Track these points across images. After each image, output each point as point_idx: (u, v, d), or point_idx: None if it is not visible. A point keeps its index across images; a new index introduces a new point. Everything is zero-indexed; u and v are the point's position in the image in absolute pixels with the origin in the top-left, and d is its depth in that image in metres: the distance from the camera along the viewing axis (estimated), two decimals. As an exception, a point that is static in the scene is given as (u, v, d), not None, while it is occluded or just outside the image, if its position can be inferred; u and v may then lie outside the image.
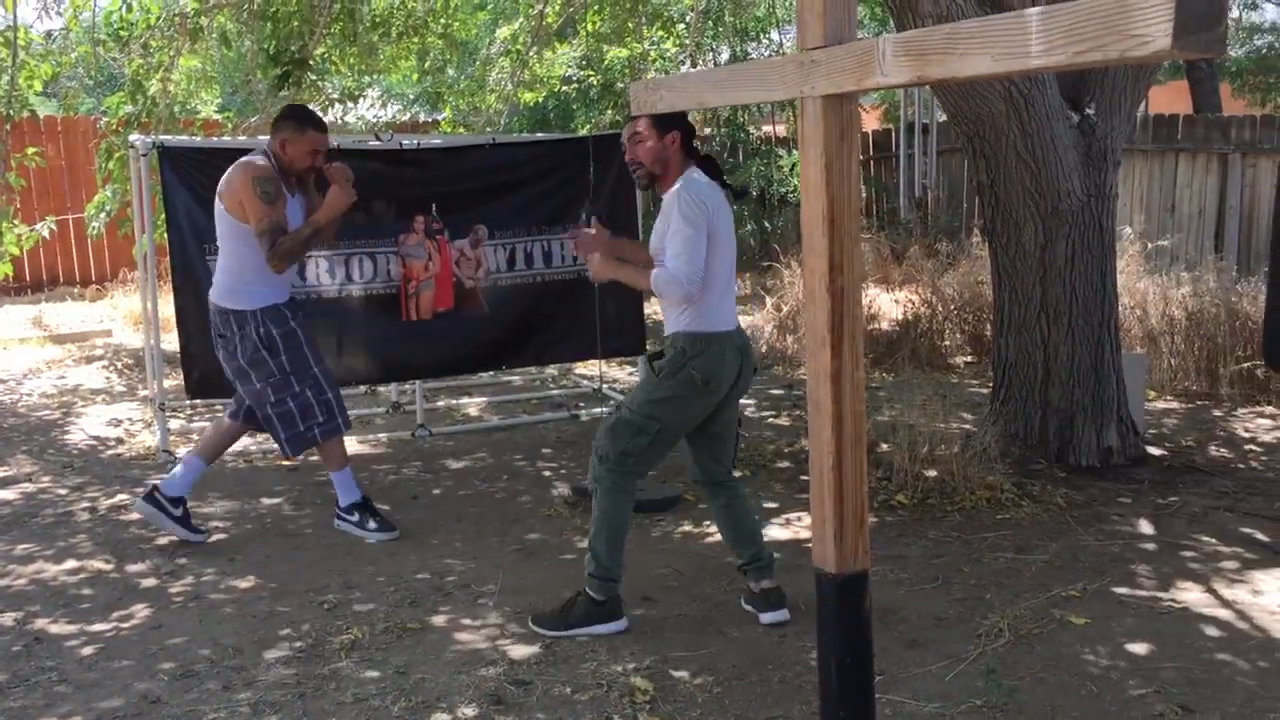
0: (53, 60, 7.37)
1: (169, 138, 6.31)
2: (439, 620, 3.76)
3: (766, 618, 3.71)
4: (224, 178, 4.42)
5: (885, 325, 8.56)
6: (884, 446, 5.13)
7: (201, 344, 5.73)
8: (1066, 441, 5.28)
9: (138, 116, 7.63)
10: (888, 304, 9.19)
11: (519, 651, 3.50)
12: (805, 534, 4.55)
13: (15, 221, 7.91)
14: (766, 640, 3.56)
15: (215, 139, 7.65)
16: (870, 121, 14.88)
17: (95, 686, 3.29)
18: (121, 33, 7.39)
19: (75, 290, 12.35)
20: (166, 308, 6.45)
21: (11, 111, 7.05)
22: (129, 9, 7.44)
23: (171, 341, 6.38)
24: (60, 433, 6.55)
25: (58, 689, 3.28)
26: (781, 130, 14.27)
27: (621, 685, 3.25)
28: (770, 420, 6.57)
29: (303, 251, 4.59)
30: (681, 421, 3.71)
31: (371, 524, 4.62)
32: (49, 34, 7.53)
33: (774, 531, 4.63)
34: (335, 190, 4.51)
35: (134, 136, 6.30)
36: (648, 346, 3.86)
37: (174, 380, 6.26)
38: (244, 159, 4.47)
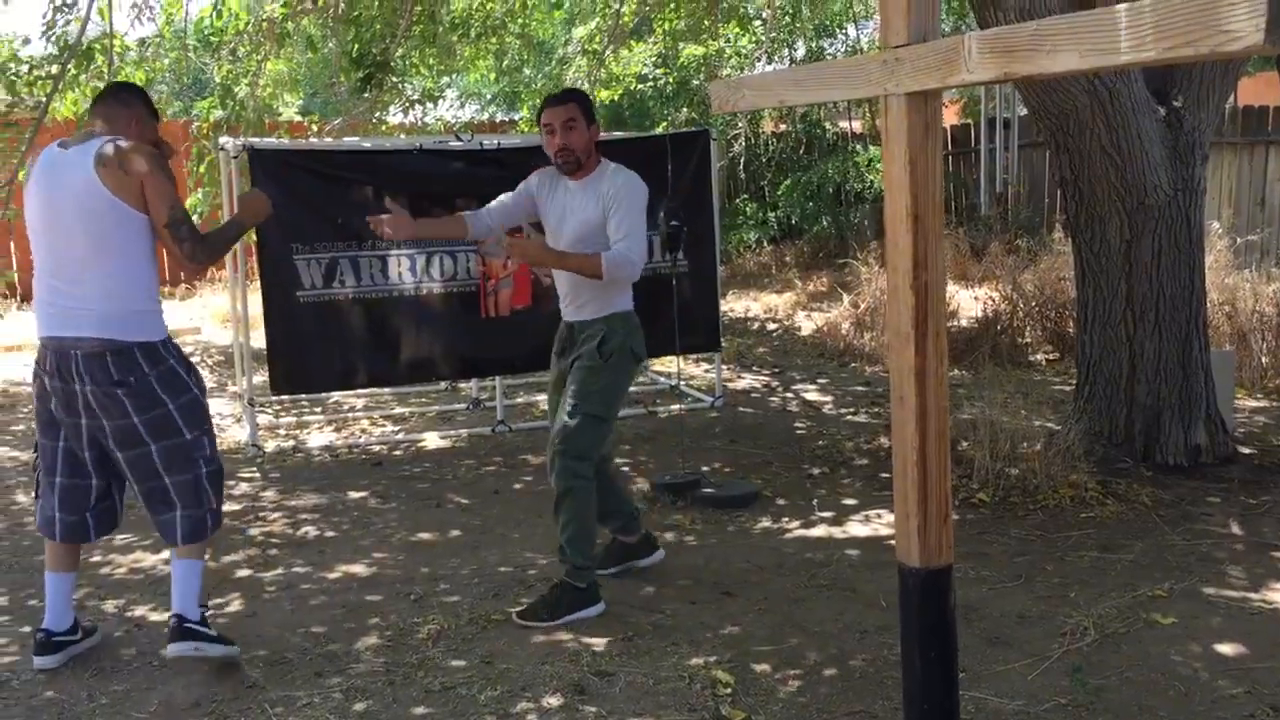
0: (146, 67, 7.60)
1: (258, 140, 6.48)
2: (522, 624, 3.82)
3: (648, 561, 4.17)
4: (99, 153, 3.17)
5: (964, 322, 8.48)
6: (964, 444, 5.10)
7: (288, 341, 5.89)
8: (1153, 439, 5.19)
9: (227, 120, 7.84)
10: (967, 301, 9.10)
11: (601, 643, 3.55)
12: (885, 531, 4.55)
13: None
14: (847, 636, 3.57)
15: (302, 141, 7.83)
16: (949, 116, 14.71)
17: (194, 671, 3.40)
18: (212, 39, 7.60)
19: (165, 289, 12.70)
20: (254, 305, 6.62)
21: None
22: (219, 15, 7.65)
23: (259, 338, 6.54)
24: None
25: (158, 673, 3.41)
26: (858, 126, 14.18)
27: (703, 678, 3.29)
28: (848, 417, 6.56)
29: (225, 252, 3.58)
30: (623, 400, 4.04)
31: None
32: (142, 41, 7.76)
33: (853, 528, 4.63)
34: (257, 192, 3.75)
35: (224, 139, 6.49)
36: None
37: (262, 376, 6.42)
38: (109, 138, 3.24)
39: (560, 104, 3.82)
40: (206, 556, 3.58)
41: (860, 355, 8.24)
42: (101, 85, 7.13)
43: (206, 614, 3.47)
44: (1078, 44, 1.81)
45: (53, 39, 6.92)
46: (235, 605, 3.95)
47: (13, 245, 11.43)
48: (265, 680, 3.33)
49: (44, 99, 6.88)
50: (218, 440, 3.56)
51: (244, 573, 4.27)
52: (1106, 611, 3.66)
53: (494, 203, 4.11)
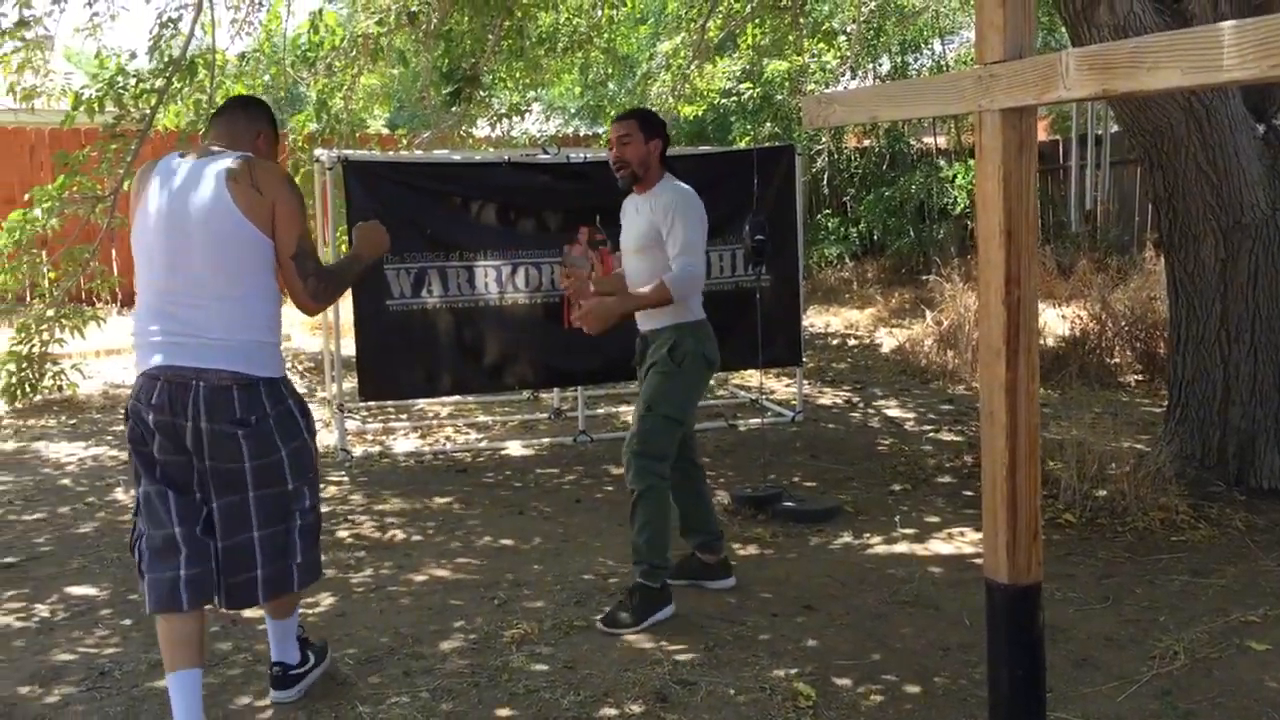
0: (245, 80, 7.83)
1: (351, 152, 6.64)
2: (609, 632, 3.86)
3: (716, 585, 4.13)
4: (231, 168, 2.88)
5: (1051, 341, 8.37)
6: (1051, 464, 5.03)
7: (377, 348, 6.02)
8: (1247, 463, 5.08)
9: (321, 133, 8.05)
10: (1054, 319, 8.97)
11: (683, 653, 3.58)
12: (968, 549, 4.51)
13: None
14: (930, 652, 3.56)
15: (393, 153, 8.00)
16: (1038, 132, 14.51)
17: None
18: (308, 54, 7.81)
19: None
20: (345, 314, 6.77)
21: (207, 129, 7.52)
22: (315, 31, 7.86)
23: (349, 346, 6.70)
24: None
25: (256, 669, 3.51)
26: (943, 142, 14.07)
27: (784, 690, 3.29)
28: (931, 435, 6.51)
29: (344, 292, 3.29)
30: (697, 404, 4.08)
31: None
32: (242, 55, 8.00)
33: (936, 546, 4.60)
34: (375, 224, 3.33)
35: (319, 151, 6.66)
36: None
37: (351, 383, 6.58)
38: (238, 153, 2.96)
39: (620, 120, 4.03)
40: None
41: (943, 373, 8.17)
42: (204, 99, 7.41)
43: (303, 641, 3.33)
44: (1179, 61, 1.81)
45: (158, 54, 7.18)
46: (326, 604, 4.05)
47: (114, 252, 11.80)
48: (356, 678, 3.41)
49: (149, 111, 7.13)
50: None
51: (333, 573, 4.38)
52: (1197, 636, 3.59)
53: None
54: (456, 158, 6.92)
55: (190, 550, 2.86)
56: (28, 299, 7.91)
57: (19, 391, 7.51)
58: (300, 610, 3.82)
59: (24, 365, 7.52)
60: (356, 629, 3.81)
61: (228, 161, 2.90)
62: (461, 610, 3.98)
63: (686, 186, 3.99)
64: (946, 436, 6.44)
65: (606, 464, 6.00)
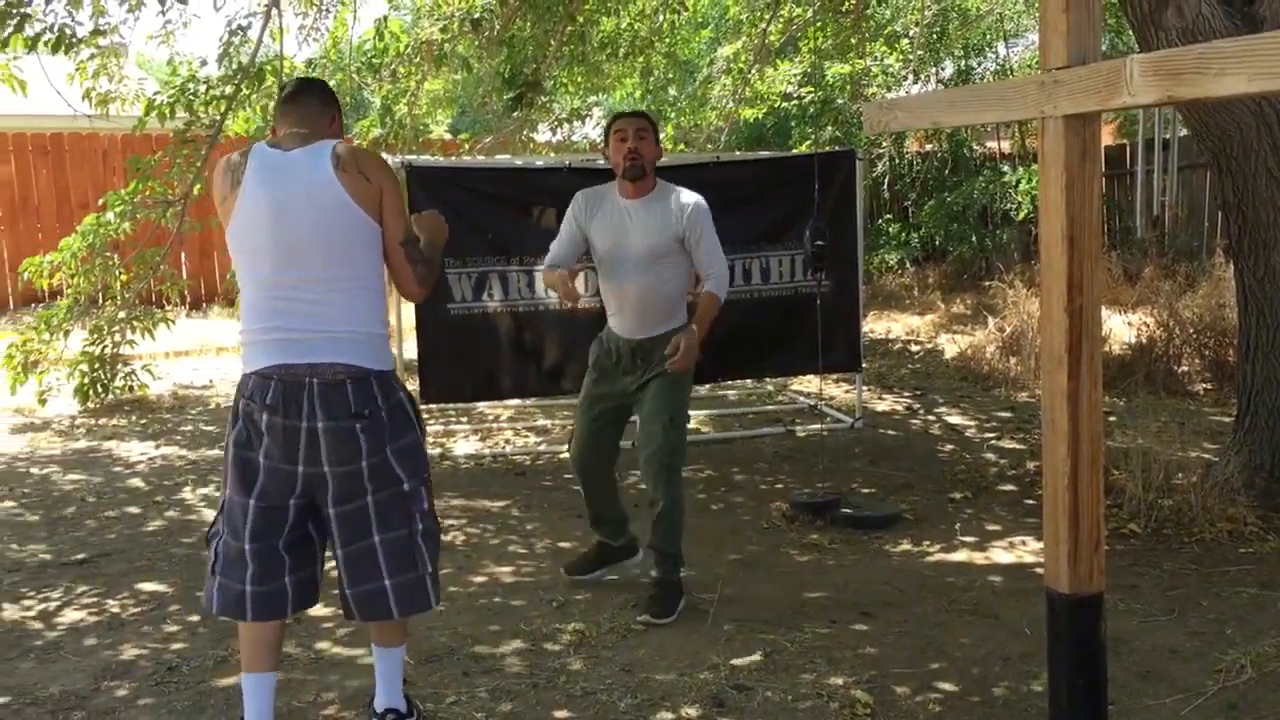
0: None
1: (415, 158, 6.73)
2: (661, 624, 3.88)
3: (634, 562, 4.30)
4: (337, 155, 2.77)
5: (1116, 348, 8.24)
6: (1116, 473, 4.96)
7: (438, 351, 6.09)
8: (1318, 474, 4.96)
9: (385, 138, 8.16)
10: (1120, 326, 8.83)
11: (740, 658, 3.58)
12: (1030, 558, 4.47)
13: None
14: (990, 662, 3.52)
15: (456, 159, 8.09)
16: (1104, 137, 14.30)
17: (347, 665, 3.56)
18: (374, 60, 7.93)
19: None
20: (406, 317, 6.85)
21: (275, 135, 7.66)
22: (380, 37, 7.97)
23: (410, 349, 6.78)
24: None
25: (316, 665, 3.57)
26: (1006, 146, 13.91)
27: (841, 697, 3.29)
28: (992, 442, 6.44)
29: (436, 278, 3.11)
30: None
31: None
32: (309, 61, 8.14)
33: (997, 555, 4.55)
34: (434, 213, 3.18)
35: (384, 157, 6.75)
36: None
37: (412, 385, 6.65)
38: (336, 140, 2.88)
39: (636, 116, 4.08)
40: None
41: (1005, 380, 8.08)
42: (271, 104, 7.53)
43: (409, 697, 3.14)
44: (1247, 67, 1.79)
45: (227, 61, 7.33)
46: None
47: (183, 256, 12.06)
48: (415, 677, 3.45)
49: (218, 117, 7.28)
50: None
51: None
52: (1266, 650, 3.52)
53: (559, 247, 4.12)
54: (518, 163, 6.98)
55: (259, 567, 2.78)
56: (100, 301, 8.09)
57: (92, 391, 7.69)
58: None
59: (96, 366, 7.71)
60: (416, 628, 3.84)
61: (329, 149, 2.78)
62: (520, 611, 4.01)
63: (692, 191, 4.08)
64: (1008, 444, 6.37)
65: (664, 468, 6.01)
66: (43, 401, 7.50)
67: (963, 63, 13.57)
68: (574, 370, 6.38)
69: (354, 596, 2.84)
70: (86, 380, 7.67)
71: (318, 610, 3.93)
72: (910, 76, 12.77)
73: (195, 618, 3.98)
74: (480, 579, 4.37)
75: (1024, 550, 4.58)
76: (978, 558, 4.54)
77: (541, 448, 6.59)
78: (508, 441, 6.80)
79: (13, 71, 6.73)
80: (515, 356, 6.28)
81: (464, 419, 7.40)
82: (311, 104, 2.93)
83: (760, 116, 12.74)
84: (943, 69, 13.74)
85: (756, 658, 3.58)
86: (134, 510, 5.37)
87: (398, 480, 2.81)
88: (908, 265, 13.23)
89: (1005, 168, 12.84)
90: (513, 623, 3.90)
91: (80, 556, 4.69)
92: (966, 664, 3.52)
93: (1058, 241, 2.27)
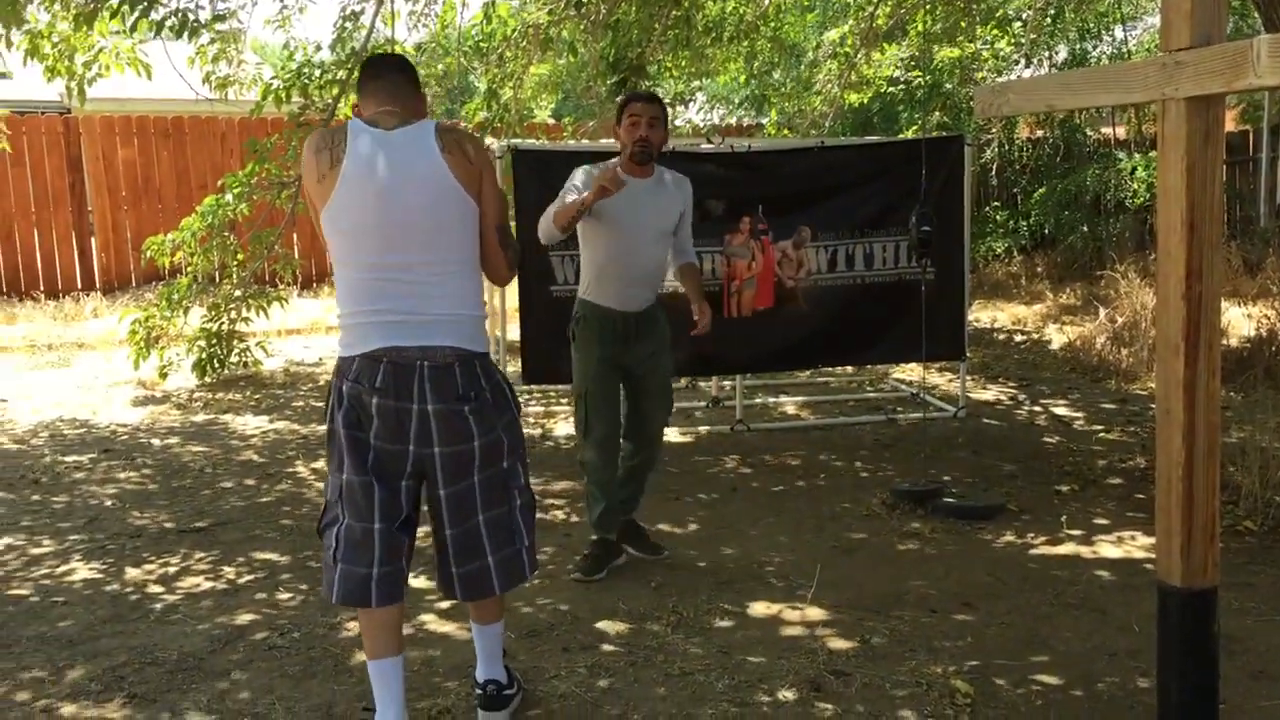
0: (422, 70, 8.10)
1: (519, 141, 6.81)
2: (758, 607, 3.89)
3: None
4: (441, 136, 2.77)
5: (1234, 341, 7.97)
6: (1231, 469, 4.81)
7: (540, 333, 6.15)
8: None
9: (491, 121, 8.27)
10: (1238, 318, 8.55)
11: (837, 643, 3.57)
12: (1138, 553, 4.37)
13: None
14: (1096, 657, 3.46)
15: (560, 143, 8.16)
16: (1226, 123, 13.78)
17: (452, 637, 3.64)
18: (481, 44, 8.03)
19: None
20: (510, 299, 6.95)
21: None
22: (488, 21, 8.07)
23: (513, 331, 6.87)
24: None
25: (423, 635, 3.66)
26: (1121, 132, 13.52)
27: (941, 686, 3.26)
28: (1101, 435, 6.29)
29: None
30: None
31: None
32: (419, 46, 8.28)
33: (1104, 548, 4.46)
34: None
35: (489, 140, 6.85)
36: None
37: (514, 366, 6.75)
38: (435, 120, 2.93)
39: (652, 102, 4.12)
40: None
41: (1116, 371, 7.88)
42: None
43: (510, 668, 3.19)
44: (1384, 46, 1.73)
45: (341, 46, 7.50)
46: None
47: (295, 236, 12.37)
48: (516, 649, 3.52)
49: (331, 101, 7.45)
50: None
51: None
52: (1388, 655, 3.40)
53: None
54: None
55: (384, 549, 2.76)
56: (218, 279, 8.36)
57: (209, 367, 7.95)
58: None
59: (214, 342, 7.97)
60: (517, 604, 3.92)
61: (432, 130, 2.75)
62: (619, 591, 4.05)
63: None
64: (1117, 437, 6.22)
65: (763, 453, 6.01)
66: (164, 376, 7.79)
67: (1077, 47, 13.20)
68: (673, 353, 6.40)
69: (460, 576, 2.86)
70: (204, 356, 7.94)
71: (419, 583, 4.03)
72: (1022, 61, 12.47)
73: (305, 585, 4.11)
74: (580, 558, 4.42)
75: (1133, 545, 4.47)
76: (1084, 551, 4.45)
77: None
78: (608, 423, 6.85)
79: (138, 55, 6.96)
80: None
81: (565, 400, 7.48)
82: (400, 81, 2.89)
83: (866, 102, 12.57)
84: (1056, 53, 13.39)
85: (854, 644, 3.57)
86: (249, 481, 5.55)
87: (500, 459, 2.84)
88: (1015, 254, 12.96)
89: (1120, 154, 12.48)
90: (612, 601, 3.95)
91: (199, 524, 4.87)
92: (1071, 658, 3.46)
93: (1176, 228, 2.22)
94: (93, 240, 12.29)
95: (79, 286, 12.07)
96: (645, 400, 4.24)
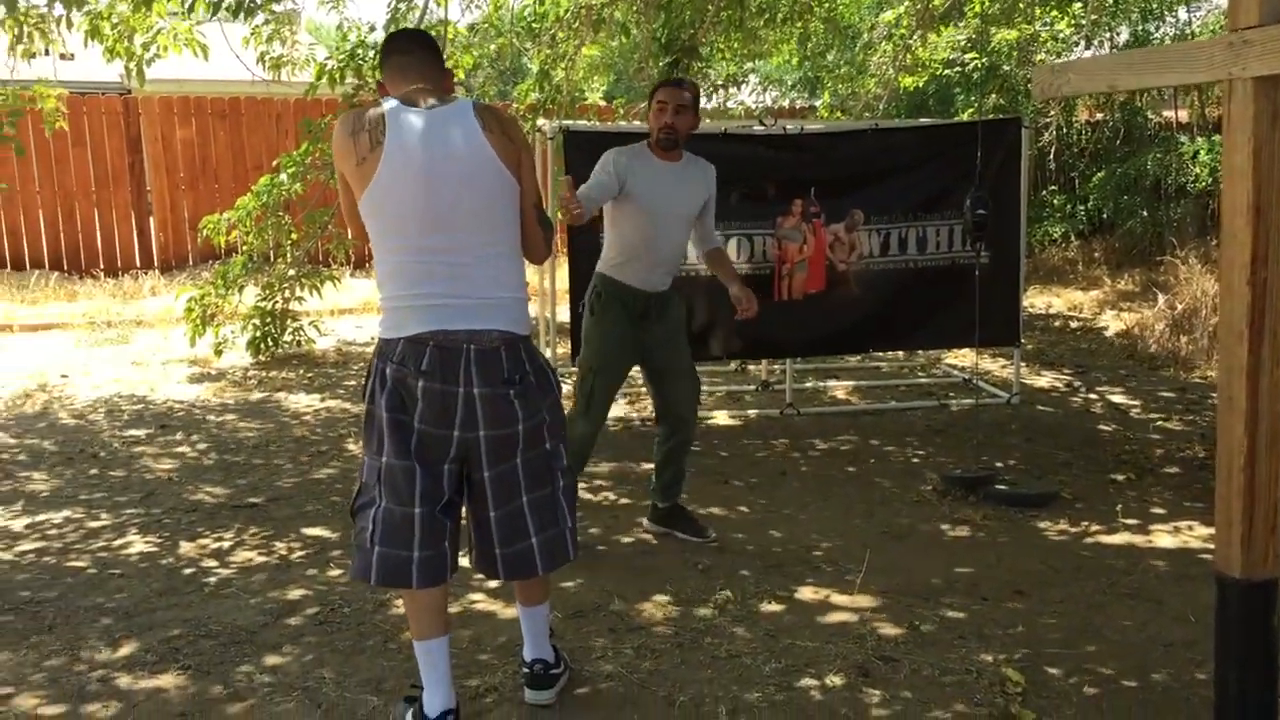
0: (475, 51, 8.12)
1: (571, 122, 6.80)
2: (806, 592, 3.87)
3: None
4: (480, 115, 2.74)
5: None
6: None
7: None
8: None
9: (543, 103, 8.26)
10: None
11: (886, 629, 3.55)
12: (1195, 543, 4.29)
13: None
14: (1151, 648, 3.41)
15: (611, 124, 8.15)
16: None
17: (499, 616, 3.66)
18: (534, 25, 8.02)
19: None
20: (560, 280, 6.96)
21: (438, 99, 7.84)
22: (541, 3, 8.06)
23: (564, 312, 6.88)
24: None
25: (470, 614, 3.69)
26: (1184, 115, 13.24)
27: (991, 674, 3.23)
28: (1158, 423, 6.19)
29: None
30: None
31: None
32: (472, 26, 8.29)
33: (1160, 538, 4.39)
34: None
35: (541, 121, 6.85)
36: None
37: (564, 348, 6.76)
38: (472, 99, 2.85)
39: (681, 88, 4.15)
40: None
41: (1175, 359, 7.74)
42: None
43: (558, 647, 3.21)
44: None
45: (394, 27, 7.52)
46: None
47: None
48: (563, 630, 3.53)
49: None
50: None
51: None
52: None
53: (591, 191, 4.00)
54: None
55: (425, 533, 2.74)
56: (272, 259, 8.44)
57: (263, 345, 8.05)
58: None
59: (268, 321, 8.06)
60: (565, 585, 3.93)
61: (470, 109, 2.73)
62: (666, 573, 4.05)
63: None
64: (1175, 426, 6.12)
65: (813, 437, 5.98)
66: (219, 353, 7.88)
67: (1140, 28, 12.94)
68: (723, 337, 6.39)
69: (504, 557, 2.86)
70: (258, 334, 8.03)
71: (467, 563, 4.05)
72: (1082, 43, 12.24)
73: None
74: (628, 539, 4.43)
75: (1190, 535, 4.40)
76: (1140, 540, 4.38)
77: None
78: (657, 406, 6.84)
79: (195, 36, 7.03)
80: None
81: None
82: (429, 58, 2.85)
83: (921, 84, 12.41)
84: (1118, 34, 13.13)
85: (903, 630, 3.54)
86: (301, 458, 5.61)
87: (543, 440, 2.84)
88: (1072, 239, 12.76)
89: (1182, 138, 12.22)
90: (659, 583, 3.95)
91: (253, 500, 4.93)
92: (1125, 648, 3.42)
93: (1242, 211, 2.16)
94: (151, 219, 12.47)
95: (138, 265, 12.25)
96: (673, 382, 4.26)
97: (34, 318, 9.84)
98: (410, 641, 3.07)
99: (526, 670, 3.11)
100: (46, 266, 11.89)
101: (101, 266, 12.09)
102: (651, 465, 4.35)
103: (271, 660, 3.36)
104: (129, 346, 8.79)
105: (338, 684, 3.21)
